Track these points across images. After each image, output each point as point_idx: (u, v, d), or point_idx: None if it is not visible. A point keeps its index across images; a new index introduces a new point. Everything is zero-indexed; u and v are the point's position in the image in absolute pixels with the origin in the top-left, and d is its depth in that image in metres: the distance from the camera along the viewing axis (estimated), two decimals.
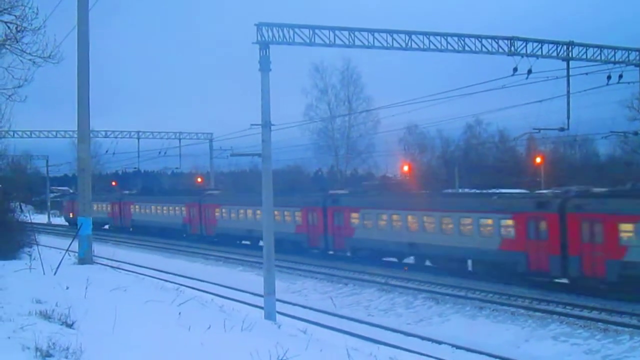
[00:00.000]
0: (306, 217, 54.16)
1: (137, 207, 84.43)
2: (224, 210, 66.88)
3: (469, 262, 42.60)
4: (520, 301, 33.65)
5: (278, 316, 28.43)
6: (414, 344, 28.32)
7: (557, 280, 36.83)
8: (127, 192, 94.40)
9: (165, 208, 78.08)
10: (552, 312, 31.02)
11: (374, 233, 48.15)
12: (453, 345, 27.68)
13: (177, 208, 75.39)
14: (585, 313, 30.47)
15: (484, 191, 51.74)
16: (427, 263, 45.99)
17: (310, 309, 35.94)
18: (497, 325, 30.40)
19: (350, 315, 34.23)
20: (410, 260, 47.82)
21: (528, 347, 27.16)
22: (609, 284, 33.57)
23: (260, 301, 31.35)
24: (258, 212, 51.34)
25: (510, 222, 38.85)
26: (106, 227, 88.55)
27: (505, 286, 36.56)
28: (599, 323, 28.66)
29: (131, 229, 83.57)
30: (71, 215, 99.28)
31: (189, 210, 72.27)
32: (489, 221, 40.23)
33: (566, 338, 27.39)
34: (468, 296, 35.54)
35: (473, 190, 58.22)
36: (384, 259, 48.28)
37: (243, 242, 63.53)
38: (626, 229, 33.01)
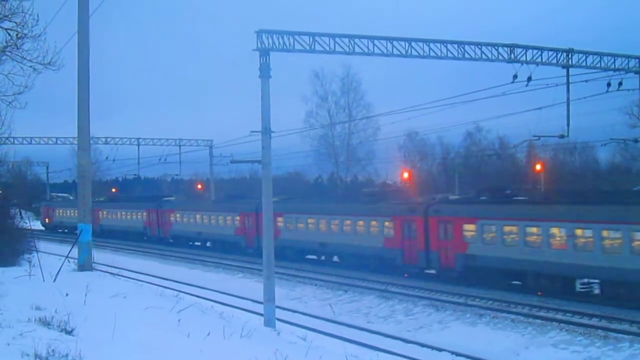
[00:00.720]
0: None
1: (104, 212, 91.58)
2: (177, 215, 75.88)
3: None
4: (520, 308, 33.66)
5: (278, 323, 28.39)
6: (414, 351, 28.30)
7: (427, 272, 44.67)
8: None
9: (127, 213, 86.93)
10: (551, 319, 31.02)
11: (300, 234, 55.68)
12: (453, 353, 27.66)
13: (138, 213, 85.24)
14: (585, 320, 30.46)
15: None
16: (335, 259, 53.75)
17: (310, 315, 35.94)
18: (497, 332, 30.39)
19: (350, 322, 34.22)
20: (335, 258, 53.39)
21: (528, 355, 27.15)
22: (458, 273, 41.77)
23: (260, 308, 31.32)
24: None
25: (390, 224, 46.99)
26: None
27: (505, 293, 36.60)
28: (599, 330, 28.65)
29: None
30: (47, 221, 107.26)
31: (148, 215, 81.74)
32: (375, 223, 48.39)
33: (566, 345, 27.37)
34: (468, 303, 35.54)
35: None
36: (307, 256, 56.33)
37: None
38: (469, 229, 41.13)
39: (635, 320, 29.54)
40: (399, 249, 45.70)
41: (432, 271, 44.32)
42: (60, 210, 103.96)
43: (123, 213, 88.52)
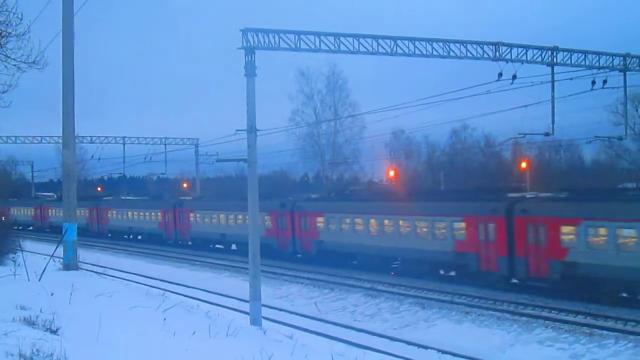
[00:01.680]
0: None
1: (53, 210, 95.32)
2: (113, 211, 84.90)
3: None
4: (505, 306, 33.74)
5: (264, 322, 28.36)
6: (400, 349, 28.32)
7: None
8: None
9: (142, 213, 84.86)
10: (537, 317, 31.10)
11: (207, 227, 66.20)
12: (439, 350, 27.72)
13: None
14: (571, 317, 30.58)
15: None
16: (233, 247, 62.48)
17: (296, 314, 35.93)
18: (483, 329, 30.44)
19: (336, 320, 34.23)
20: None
21: (514, 352, 27.23)
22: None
23: (246, 307, 31.28)
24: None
25: (267, 217, 54.04)
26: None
27: (491, 291, 36.67)
28: (584, 327, 28.73)
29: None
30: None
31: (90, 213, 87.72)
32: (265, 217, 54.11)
33: (551, 342, 27.46)
34: (454, 301, 35.58)
35: None
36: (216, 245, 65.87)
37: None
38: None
39: (620, 317, 29.65)
40: (275, 237, 53.06)
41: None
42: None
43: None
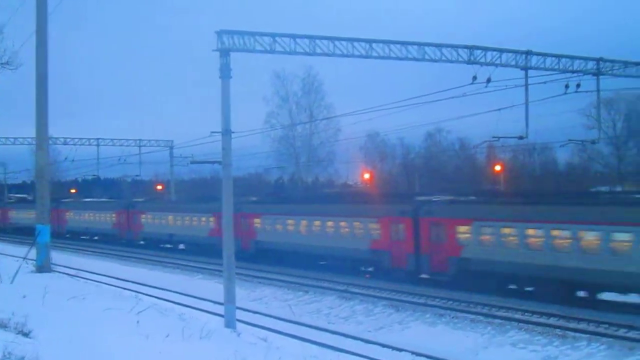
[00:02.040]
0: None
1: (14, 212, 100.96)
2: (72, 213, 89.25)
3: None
4: (479, 308, 33.88)
5: (238, 324, 28.26)
6: (375, 351, 28.31)
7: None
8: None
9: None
10: (510, 319, 31.25)
11: (157, 227, 70.53)
12: (413, 353, 27.72)
13: None
14: (544, 319, 30.74)
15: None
16: (181, 246, 67.66)
17: (271, 316, 35.83)
18: (456, 332, 30.54)
19: (311, 322, 34.18)
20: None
21: (487, 354, 27.32)
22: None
23: (221, 309, 31.20)
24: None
25: (211, 219, 59.67)
26: None
27: (464, 293, 36.84)
28: (557, 329, 28.91)
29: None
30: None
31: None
32: (202, 218, 62.04)
33: (525, 345, 27.59)
34: (428, 303, 35.69)
35: None
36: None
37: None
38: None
39: (592, 319, 29.87)
40: (218, 237, 51.25)
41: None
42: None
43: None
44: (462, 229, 39.26)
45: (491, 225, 37.69)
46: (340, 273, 45.70)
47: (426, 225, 41.35)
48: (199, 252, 60.94)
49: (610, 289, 33.37)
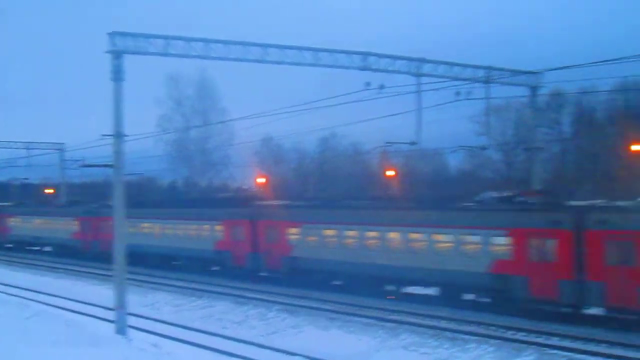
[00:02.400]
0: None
1: None
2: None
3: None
4: (372, 312, 34.19)
5: (130, 330, 27.75)
6: (268, 356, 28.23)
7: None
8: None
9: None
10: (402, 322, 31.65)
11: (23, 231, 75.14)
12: (306, 357, 27.67)
13: None
14: (435, 322, 31.26)
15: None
16: (48, 248, 71.00)
17: (163, 322, 35.33)
18: (349, 335, 30.67)
19: (204, 328, 33.83)
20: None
21: (379, 357, 27.52)
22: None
23: (112, 315, 30.58)
24: None
25: (75, 222, 64.50)
26: None
27: (357, 297, 37.16)
28: (447, 332, 29.44)
29: None
30: None
31: None
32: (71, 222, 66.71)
33: (416, 347, 27.91)
34: (321, 307, 35.83)
35: None
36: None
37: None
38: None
39: (482, 322, 30.57)
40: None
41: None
42: None
43: None
44: (293, 230, 43.55)
45: (315, 227, 42.01)
46: (194, 272, 50.13)
47: (262, 228, 45.74)
48: (63, 254, 66.35)
49: (412, 283, 37.86)
